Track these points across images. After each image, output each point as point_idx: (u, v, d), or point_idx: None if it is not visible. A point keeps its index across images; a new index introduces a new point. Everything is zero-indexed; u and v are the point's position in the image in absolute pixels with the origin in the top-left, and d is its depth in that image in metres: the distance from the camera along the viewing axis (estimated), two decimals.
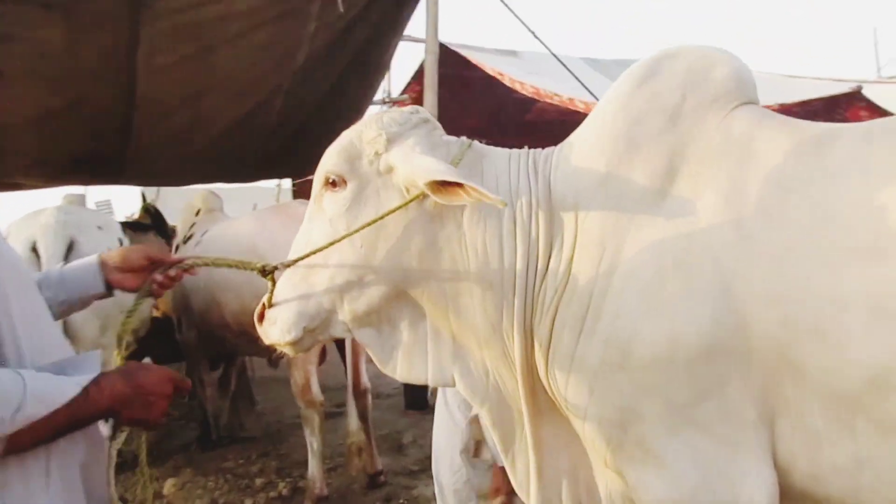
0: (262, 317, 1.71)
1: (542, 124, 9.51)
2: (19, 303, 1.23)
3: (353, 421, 3.89)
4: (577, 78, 4.69)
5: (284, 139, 5.24)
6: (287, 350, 1.70)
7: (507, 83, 7.72)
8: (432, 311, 1.64)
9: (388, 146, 1.60)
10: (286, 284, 1.68)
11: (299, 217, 3.77)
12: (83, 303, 1.67)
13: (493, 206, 1.50)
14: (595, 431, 1.48)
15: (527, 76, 7.90)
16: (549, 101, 7.51)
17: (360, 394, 3.94)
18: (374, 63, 4.65)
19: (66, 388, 1.18)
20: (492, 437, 1.79)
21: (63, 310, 1.61)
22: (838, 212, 1.29)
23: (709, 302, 1.34)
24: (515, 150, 1.70)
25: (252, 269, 1.69)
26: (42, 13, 3.41)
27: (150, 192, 8.84)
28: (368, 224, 1.56)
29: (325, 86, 4.77)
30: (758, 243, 1.33)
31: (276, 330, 1.67)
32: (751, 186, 1.38)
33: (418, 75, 8.19)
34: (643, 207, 1.45)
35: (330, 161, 1.65)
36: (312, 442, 3.72)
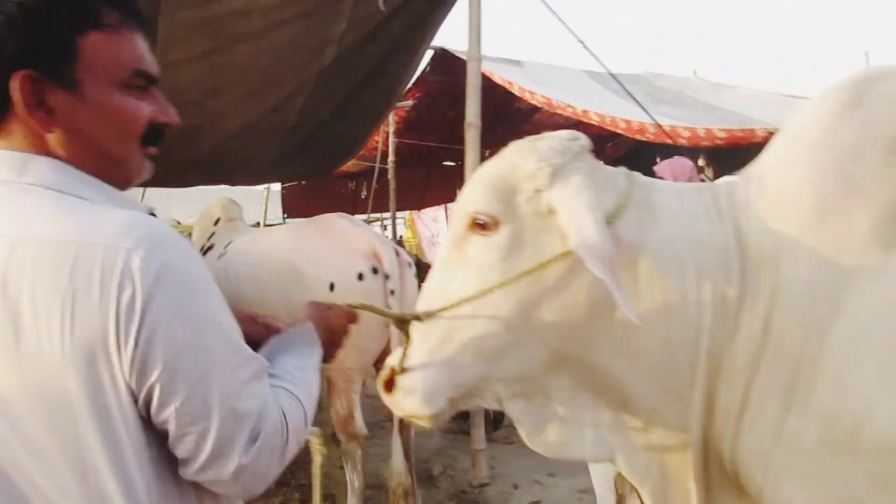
0: (389, 383, 1.42)
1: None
2: None
3: (398, 461, 3.38)
4: (631, 95, 4.45)
5: (298, 142, 4.98)
6: (425, 423, 1.43)
7: (517, 92, 7.56)
8: (594, 376, 1.37)
9: (552, 182, 1.30)
10: (422, 343, 1.39)
11: (339, 232, 3.55)
12: None
13: (676, 256, 1.28)
14: None
15: (534, 86, 7.74)
16: (561, 111, 7.36)
17: (404, 427, 3.49)
18: (399, 66, 4.40)
19: (315, 379, 1.19)
20: None
21: None
22: None
23: None
24: (685, 185, 1.44)
25: (386, 316, 1.54)
26: None
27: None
28: (528, 272, 1.28)
29: (347, 88, 4.51)
30: None
31: (413, 401, 1.39)
32: None
33: (419, 80, 8.00)
34: (870, 257, 1.18)
35: (478, 199, 1.35)
36: (354, 479, 3.35)
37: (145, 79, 1.07)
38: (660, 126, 5.14)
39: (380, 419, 4.90)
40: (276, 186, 10.98)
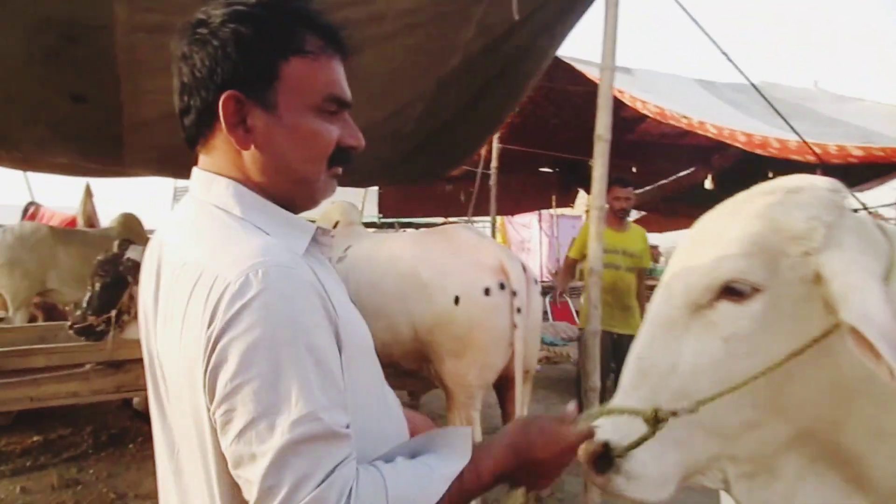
0: (599, 461, 1.20)
1: (643, 145, 9.09)
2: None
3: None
4: (775, 109, 4.18)
5: (412, 147, 4.94)
6: None
7: (627, 101, 7.31)
8: (834, 455, 1.19)
9: (825, 244, 1.10)
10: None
11: (466, 244, 3.45)
12: None
13: None
14: None
15: (645, 95, 7.47)
16: (675, 122, 7.07)
17: None
18: (523, 74, 4.28)
19: (435, 486, 0.99)
20: None
21: None
22: None
23: None
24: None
25: (636, 414, 1.18)
26: (198, 3, 3.16)
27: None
28: (798, 352, 1.08)
29: (468, 94, 4.42)
30: None
31: (641, 488, 1.18)
32: None
33: None
34: None
35: (736, 265, 1.14)
36: None
37: (337, 104, 1.11)
38: (806, 143, 4.81)
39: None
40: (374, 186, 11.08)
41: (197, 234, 1.04)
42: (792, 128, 4.42)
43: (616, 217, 5.26)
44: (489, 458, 1.06)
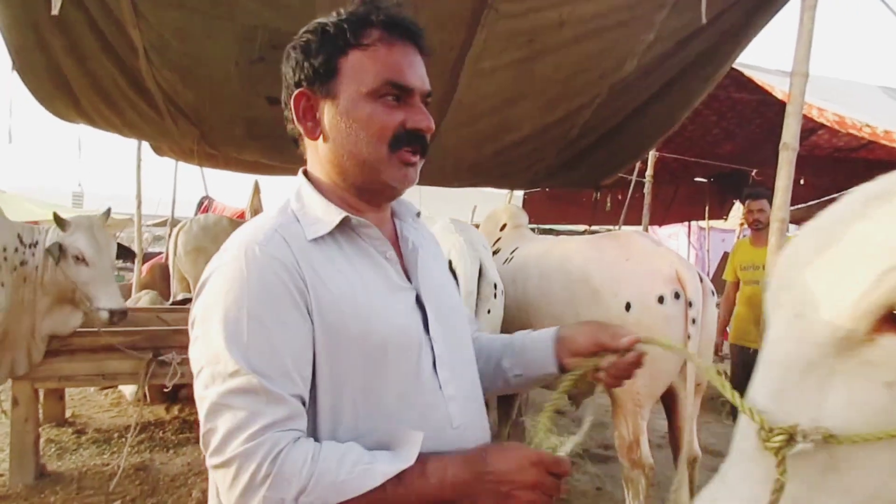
0: None
1: (813, 160, 8.51)
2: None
3: (684, 497, 3.00)
4: None
5: (575, 153, 4.94)
6: None
7: (804, 109, 6.87)
8: None
9: None
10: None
11: (640, 250, 3.36)
12: (537, 381, 1.41)
13: None
14: None
15: (823, 103, 7.00)
16: (855, 132, 6.59)
17: (692, 462, 3.29)
18: (699, 80, 4.16)
19: (368, 477, 1.00)
20: None
21: (518, 382, 1.41)
22: None
23: None
24: None
25: (763, 433, 0.83)
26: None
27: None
28: None
29: (638, 101, 4.37)
30: None
31: None
32: None
33: None
34: None
35: None
36: None
37: (398, 88, 1.14)
38: None
39: None
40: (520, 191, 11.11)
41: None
42: None
43: (754, 231, 5.09)
44: (440, 464, 1.05)
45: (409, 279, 1.23)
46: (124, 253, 4.36)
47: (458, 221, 3.68)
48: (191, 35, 3.56)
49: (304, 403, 1.05)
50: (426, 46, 1.20)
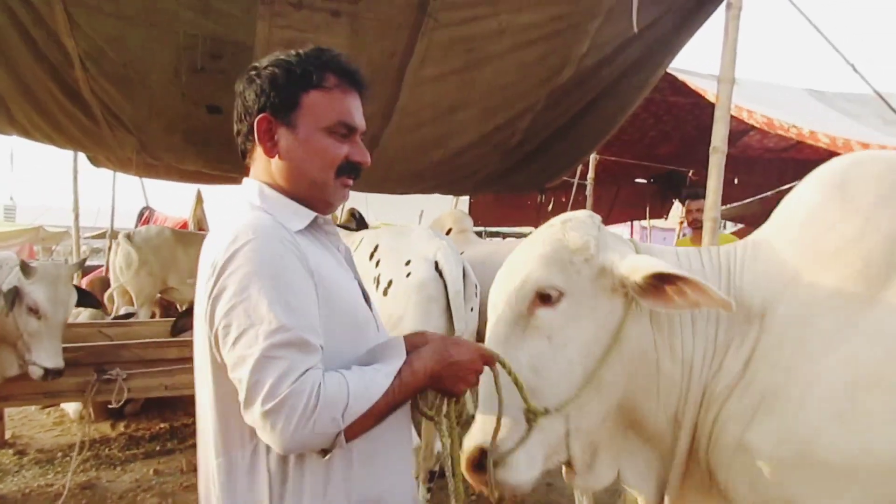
0: (474, 463, 1.58)
1: (745, 160, 8.86)
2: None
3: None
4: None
5: (518, 158, 5.03)
6: (525, 490, 1.59)
7: (734, 112, 7.14)
8: (629, 415, 1.67)
9: (598, 249, 1.60)
10: (511, 419, 1.57)
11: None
12: None
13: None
14: None
15: (753, 105, 7.29)
16: (783, 132, 6.88)
17: None
18: (633, 88, 4.30)
19: (381, 381, 1.29)
20: None
21: None
22: None
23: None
24: (682, 249, 1.75)
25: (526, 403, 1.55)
26: (329, 20, 3.38)
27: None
28: (616, 339, 1.56)
29: (578, 107, 4.48)
30: None
31: (515, 473, 1.56)
32: None
33: None
34: (840, 318, 1.45)
35: (542, 274, 1.59)
36: None
37: (347, 128, 1.43)
38: None
39: None
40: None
41: (225, 219, 1.38)
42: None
43: (694, 230, 5.32)
44: (419, 359, 1.37)
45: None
46: (86, 300, 4.18)
47: (430, 229, 3.74)
48: (128, 44, 3.51)
49: (322, 349, 1.27)
50: (366, 92, 1.48)
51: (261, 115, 1.40)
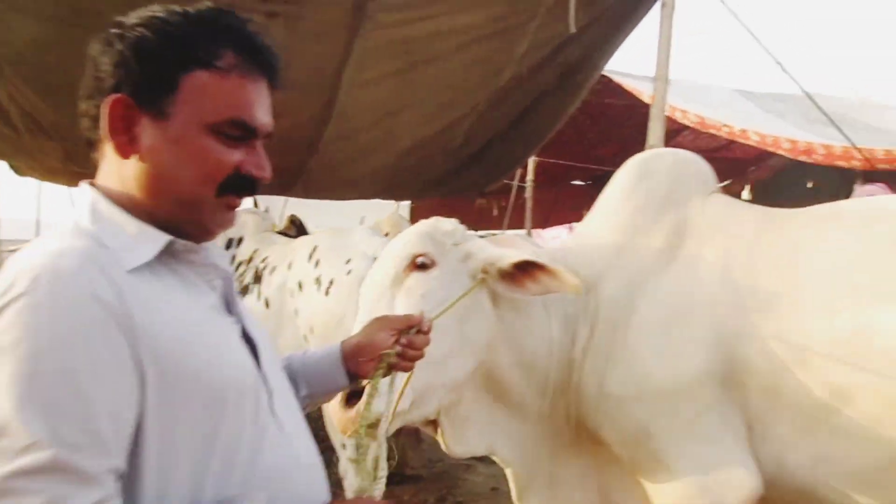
0: (346, 397, 1.63)
1: None
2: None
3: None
4: (829, 118, 4.18)
5: (461, 161, 5.02)
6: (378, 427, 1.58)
7: (667, 111, 7.31)
8: (489, 384, 1.90)
9: (464, 238, 1.88)
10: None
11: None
12: (324, 400, 1.46)
13: None
14: (619, 450, 1.86)
15: (686, 105, 7.48)
16: (715, 131, 7.09)
17: None
18: (573, 88, 4.35)
19: None
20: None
21: (306, 405, 1.33)
22: (798, 272, 1.77)
23: (705, 345, 1.77)
24: (522, 240, 2.10)
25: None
26: (265, 21, 3.29)
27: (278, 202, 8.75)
28: (464, 295, 1.73)
29: (518, 109, 4.50)
30: (745, 297, 1.78)
31: (378, 405, 1.57)
32: (735, 252, 1.85)
33: None
34: (650, 277, 1.86)
35: (419, 245, 1.83)
36: None
37: (242, 129, 1.00)
38: (855, 147, 4.81)
39: None
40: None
41: (30, 248, 0.93)
42: (841, 131, 4.41)
43: None
44: None
45: (229, 311, 1.08)
46: None
47: (370, 229, 3.70)
48: (50, 47, 3.34)
49: (120, 477, 0.85)
50: (279, 83, 1.06)
51: (115, 97, 0.95)
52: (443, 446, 1.92)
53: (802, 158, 6.44)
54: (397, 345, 1.33)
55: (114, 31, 0.97)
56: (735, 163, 8.84)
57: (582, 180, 11.42)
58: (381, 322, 1.39)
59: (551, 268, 1.72)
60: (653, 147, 3.92)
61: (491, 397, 1.92)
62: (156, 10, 0.98)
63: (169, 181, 0.98)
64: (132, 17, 0.98)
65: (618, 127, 8.87)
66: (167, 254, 0.97)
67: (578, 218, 13.54)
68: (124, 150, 0.98)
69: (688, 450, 1.78)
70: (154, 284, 0.94)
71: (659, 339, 1.80)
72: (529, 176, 8.50)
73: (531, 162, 8.51)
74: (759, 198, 8.14)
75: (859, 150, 5.06)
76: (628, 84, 7.32)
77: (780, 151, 6.62)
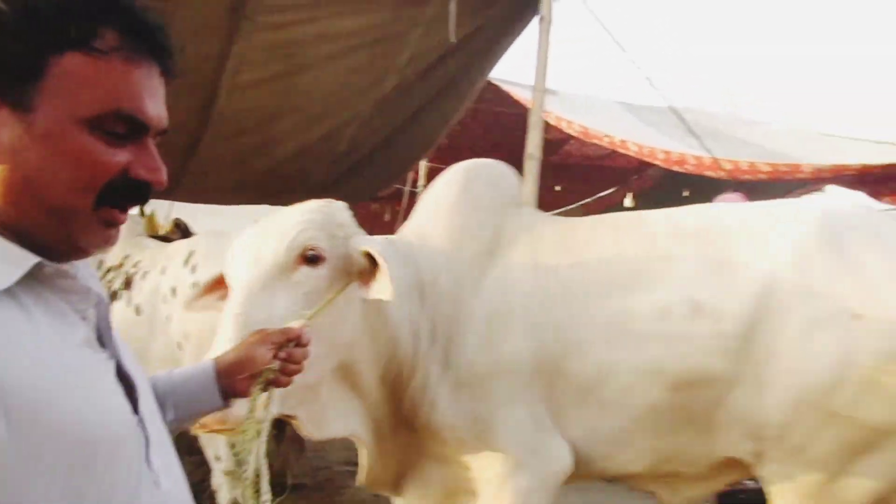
0: None
1: (567, 168, 9.43)
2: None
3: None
4: (691, 129, 4.42)
5: (347, 167, 4.98)
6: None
7: (552, 121, 7.56)
8: (350, 375, 1.98)
9: (355, 232, 1.87)
10: None
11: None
12: (192, 422, 1.31)
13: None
14: (451, 433, 2.04)
15: (571, 115, 7.76)
16: (597, 141, 7.38)
17: None
18: (456, 97, 4.41)
19: None
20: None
21: (174, 428, 1.14)
22: (587, 270, 2.08)
23: (520, 335, 2.02)
24: (392, 239, 2.15)
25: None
26: None
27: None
28: (338, 293, 1.77)
29: (403, 117, 4.52)
30: (547, 292, 2.05)
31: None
32: (541, 255, 2.12)
33: None
34: (475, 275, 2.08)
35: (312, 236, 1.76)
36: None
37: (128, 123, 0.83)
38: (716, 159, 5.13)
39: None
40: None
41: None
42: (703, 144, 4.69)
43: None
44: None
45: (102, 344, 0.90)
46: None
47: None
48: None
49: None
50: (173, 69, 0.89)
51: None
52: (302, 432, 2.02)
53: (676, 169, 6.81)
54: (276, 360, 1.26)
55: None
56: (619, 171, 9.24)
57: None
58: (258, 336, 1.30)
59: (383, 267, 1.76)
60: (531, 155, 4.05)
61: (347, 386, 2.01)
62: None
63: (34, 188, 0.80)
64: None
65: (508, 134, 9.06)
66: (31, 277, 0.79)
67: None
68: None
69: (510, 430, 2.01)
70: (13, 316, 0.76)
71: (482, 331, 2.02)
72: (421, 181, 8.54)
73: (423, 166, 8.57)
74: (641, 205, 8.53)
75: (717, 161, 5.41)
76: (517, 93, 7.50)
77: (656, 162, 6.98)
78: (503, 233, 2.15)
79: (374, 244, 1.83)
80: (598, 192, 10.51)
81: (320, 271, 1.76)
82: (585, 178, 9.84)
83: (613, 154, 8.42)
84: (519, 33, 3.92)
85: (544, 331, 2.02)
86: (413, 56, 3.87)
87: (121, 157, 0.83)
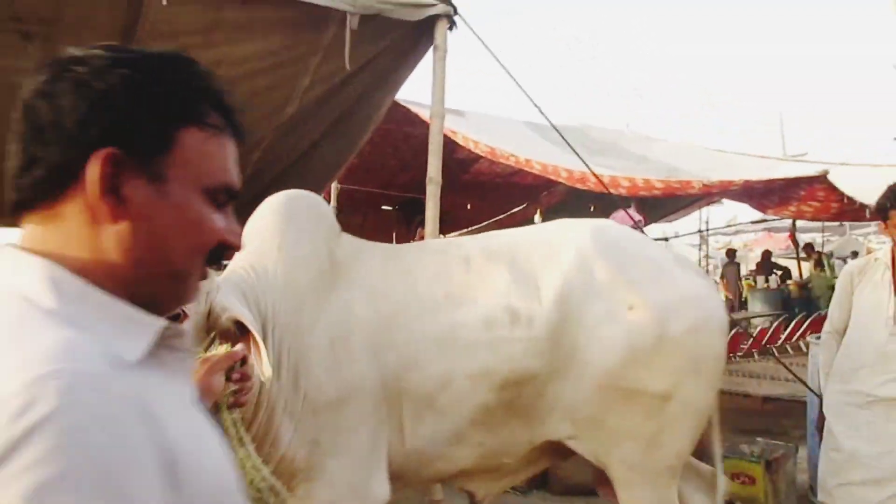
0: None
1: (478, 185, 9.63)
2: None
3: None
4: (572, 148, 4.57)
5: (251, 193, 4.92)
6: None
7: (461, 141, 7.72)
8: None
9: (214, 287, 1.91)
10: None
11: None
12: None
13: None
14: (292, 456, 2.11)
15: (478, 136, 7.93)
16: (504, 160, 7.56)
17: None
18: (360, 121, 4.45)
19: None
20: None
21: None
22: (417, 291, 2.27)
23: (362, 360, 2.15)
24: (236, 281, 2.08)
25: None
26: (17, 42, 3.09)
27: None
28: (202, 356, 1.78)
29: (307, 142, 4.54)
30: (383, 316, 2.21)
31: None
32: (371, 280, 2.27)
33: None
34: (313, 303, 2.18)
35: None
36: None
37: (228, 195, 0.89)
38: (598, 177, 5.36)
39: None
40: None
41: None
42: (588, 167, 4.79)
43: None
44: None
45: None
46: None
47: None
48: None
49: None
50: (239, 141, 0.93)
51: (106, 151, 0.77)
52: None
53: (578, 186, 7.05)
54: (230, 383, 1.39)
55: (77, 67, 0.78)
56: (529, 188, 9.49)
57: (390, 205, 11.65)
58: (206, 367, 1.34)
59: (258, 342, 1.67)
60: (432, 179, 4.10)
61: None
62: (117, 49, 0.81)
63: (163, 251, 0.82)
64: (96, 56, 0.79)
65: (418, 155, 9.17)
66: (158, 343, 0.80)
67: (387, 241, 13.77)
68: (115, 215, 0.79)
69: (340, 465, 2.13)
70: (155, 378, 0.76)
71: (327, 358, 2.14)
72: (333, 202, 8.54)
73: (333, 188, 8.56)
74: (549, 220, 8.78)
75: (615, 178, 5.63)
76: (425, 115, 7.61)
77: (559, 179, 7.20)
78: (334, 260, 2.28)
79: (244, 314, 1.78)
80: (509, 209, 10.78)
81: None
82: (496, 195, 10.05)
83: (521, 172, 8.67)
84: (417, 61, 3.99)
85: (386, 352, 2.17)
86: (314, 82, 3.89)
87: (220, 223, 0.87)
